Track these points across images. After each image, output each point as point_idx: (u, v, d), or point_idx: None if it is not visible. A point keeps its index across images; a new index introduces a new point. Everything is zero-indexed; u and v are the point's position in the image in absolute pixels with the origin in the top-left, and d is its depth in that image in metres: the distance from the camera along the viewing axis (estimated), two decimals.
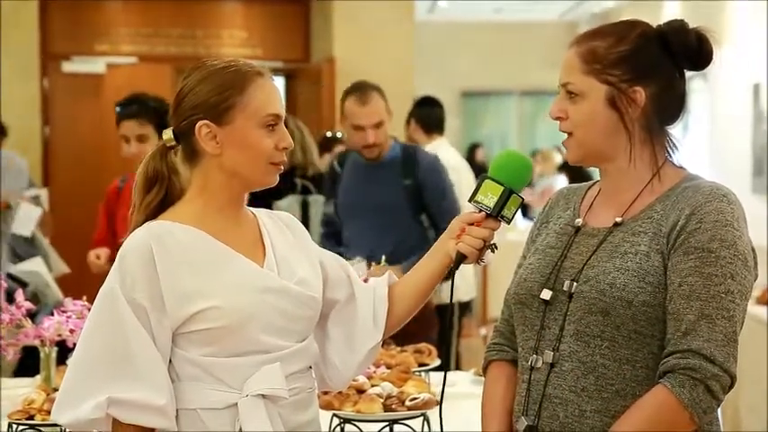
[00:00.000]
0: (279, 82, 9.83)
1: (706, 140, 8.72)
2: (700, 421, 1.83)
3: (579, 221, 2.03)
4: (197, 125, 2.00)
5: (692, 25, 1.97)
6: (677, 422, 1.82)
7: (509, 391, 2.06)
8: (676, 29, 1.96)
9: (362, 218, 4.33)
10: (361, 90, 4.23)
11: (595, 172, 2.09)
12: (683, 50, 1.95)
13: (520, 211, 2.32)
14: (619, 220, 1.96)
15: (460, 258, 2.09)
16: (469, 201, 2.07)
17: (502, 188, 2.04)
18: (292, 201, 5.55)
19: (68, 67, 8.98)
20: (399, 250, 4.03)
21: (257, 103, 2.01)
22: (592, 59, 1.94)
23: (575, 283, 1.92)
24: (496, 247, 2.11)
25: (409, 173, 4.27)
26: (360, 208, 4.34)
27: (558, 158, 10.63)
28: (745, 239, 1.88)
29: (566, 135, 2.00)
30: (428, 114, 5.94)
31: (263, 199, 3.80)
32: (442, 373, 2.13)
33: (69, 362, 2.04)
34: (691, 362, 1.80)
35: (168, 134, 2.06)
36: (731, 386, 1.83)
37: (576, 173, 8.04)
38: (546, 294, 1.96)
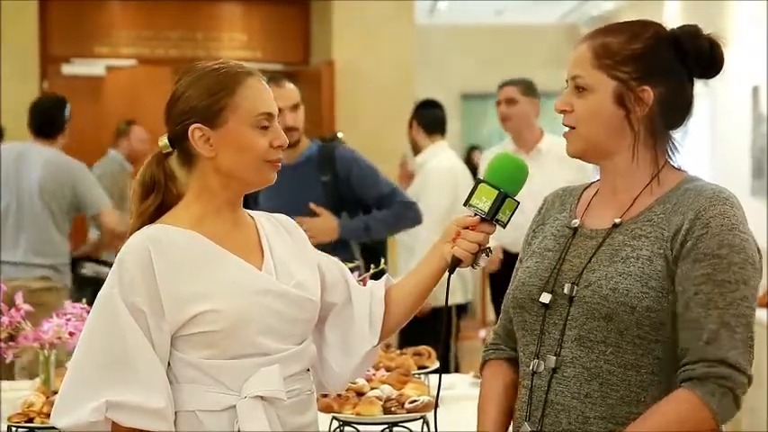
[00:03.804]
0: None
1: (706, 143, 8.71)
2: (719, 428, 1.82)
3: (576, 222, 2.01)
4: (190, 129, 2.01)
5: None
6: (699, 428, 1.80)
7: (506, 389, 2.05)
8: (689, 33, 1.95)
9: None
10: (274, 78, 4.19)
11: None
12: (695, 55, 1.94)
13: None
14: (617, 221, 1.94)
15: (456, 262, 2.08)
16: (464, 204, 2.06)
17: (496, 192, 2.03)
18: None
19: (68, 69, 8.96)
20: (320, 249, 3.91)
21: (248, 103, 2.01)
22: (604, 54, 1.93)
23: (575, 287, 1.90)
24: (491, 251, 2.11)
25: (327, 169, 4.17)
26: (279, 209, 4.25)
27: None
28: (752, 242, 1.88)
29: (567, 128, 1.98)
30: (430, 116, 5.95)
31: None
32: (443, 376, 2.13)
33: (68, 365, 2.04)
34: (722, 371, 1.79)
35: (163, 141, 2.06)
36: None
37: None
38: (545, 298, 1.94)
